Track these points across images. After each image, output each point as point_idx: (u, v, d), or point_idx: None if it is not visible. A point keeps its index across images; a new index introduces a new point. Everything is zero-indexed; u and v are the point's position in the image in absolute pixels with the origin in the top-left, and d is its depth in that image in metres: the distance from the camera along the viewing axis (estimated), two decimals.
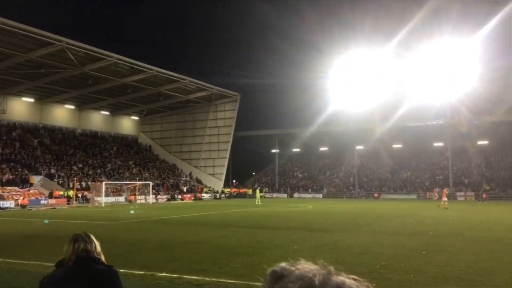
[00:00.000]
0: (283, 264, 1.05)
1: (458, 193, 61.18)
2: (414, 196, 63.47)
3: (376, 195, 65.85)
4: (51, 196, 45.46)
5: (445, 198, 38.15)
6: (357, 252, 12.72)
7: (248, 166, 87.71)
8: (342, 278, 0.98)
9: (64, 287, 2.93)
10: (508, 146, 65.86)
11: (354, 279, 0.99)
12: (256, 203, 44.79)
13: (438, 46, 60.11)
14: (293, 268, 1.01)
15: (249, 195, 68.68)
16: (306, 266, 1.02)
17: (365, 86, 65.58)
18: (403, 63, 62.43)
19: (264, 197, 66.60)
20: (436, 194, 51.51)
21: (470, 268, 10.21)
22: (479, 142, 68.51)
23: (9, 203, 40.02)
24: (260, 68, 79.38)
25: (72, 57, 45.60)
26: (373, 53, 63.56)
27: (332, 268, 1.01)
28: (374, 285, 1.04)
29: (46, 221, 23.70)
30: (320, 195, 69.66)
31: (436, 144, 72.26)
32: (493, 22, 53.68)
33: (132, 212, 31.16)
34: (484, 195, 52.69)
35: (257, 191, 51.64)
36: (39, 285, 2.98)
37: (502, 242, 14.72)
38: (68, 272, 2.96)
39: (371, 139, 69.73)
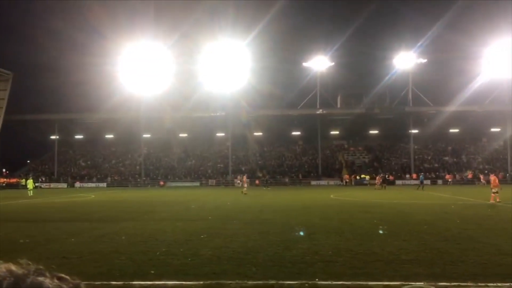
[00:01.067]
0: None
1: (236, 180, 66.75)
2: (198, 184, 66.71)
3: (161, 183, 66.85)
4: None
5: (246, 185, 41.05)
6: (138, 240, 12.66)
7: (22, 153, 78.95)
8: (41, 279, 0.88)
9: None
10: (278, 137, 75.30)
11: (59, 278, 0.90)
12: (29, 194, 40.54)
13: (219, 44, 64.71)
14: None
15: (22, 185, 61.76)
16: (2, 267, 0.90)
17: (154, 76, 65.83)
18: (190, 56, 65.05)
19: (40, 187, 60.90)
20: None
21: (241, 248, 11.21)
22: (255, 133, 75.96)
23: None
24: (39, 48, 71.54)
25: None
26: (159, 46, 64.78)
27: (33, 268, 0.90)
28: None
29: None
30: (104, 184, 67.26)
31: (218, 134, 77.14)
32: (262, 24, 61.17)
33: None
34: (257, 182, 58.79)
35: (29, 181, 46.66)
36: None
37: (269, 223, 16.61)
38: None
39: (159, 128, 70.37)
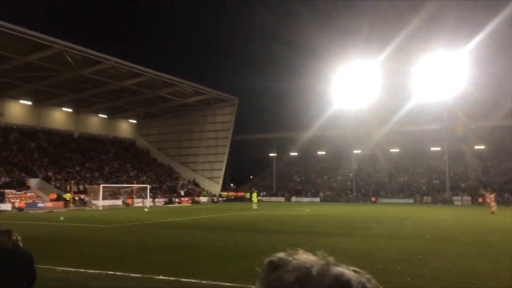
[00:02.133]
0: (280, 254, 1.02)
1: (454, 198, 61.36)
2: (411, 200, 63.55)
3: (373, 199, 65.89)
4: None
5: (493, 203, 36.36)
6: (353, 256, 12.72)
7: (246, 169, 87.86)
8: (341, 269, 0.95)
9: None
10: (504, 151, 66.22)
11: (354, 271, 0.96)
12: (253, 207, 44.73)
13: (435, 51, 60.43)
14: (290, 258, 0.99)
15: (247, 198, 68.65)
16: (304, 257, 1.00)
17: (363, 91, 65.72)
18: (401, 68, 62.71)
19: (261, 200, 66.62)
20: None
21: (467, 272, 10.24)
22: (476, 147, 68.74)
23: (6, 206, 39.89)
24: (258, 72, 79.78)
25: (70, 60, 45.58)
26: (370, 58, 63.86)
27: (331, 259, 0.98)
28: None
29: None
30: (318, 199, 69.66)
31: (433, 149, 72.41)
32: (489, 27, 54.01)
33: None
34: (480, 200, 52.67)
35: (254, 194, 51.51)
36: None
37: (498, 246, 14.76)
38: None
39: (368, 143, 69.85)
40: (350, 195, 70.59)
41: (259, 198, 58.49)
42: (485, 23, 54.42)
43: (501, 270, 10.48)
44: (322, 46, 68.97)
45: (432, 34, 59.33)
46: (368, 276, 0.97)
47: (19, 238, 4.68)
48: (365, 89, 65.51)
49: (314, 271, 0.94)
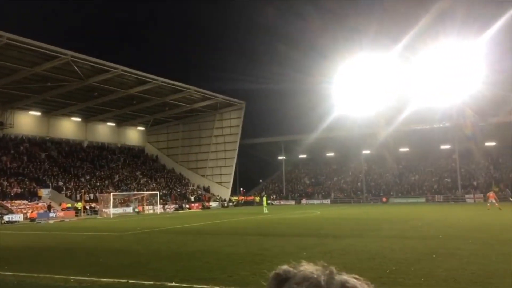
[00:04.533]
0: (285, 267, 1.06)
1: (467, 196, 60.85)
2: (423, 200, 63.09)
3: (384, 199, 65.54)
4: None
5: (493, 200, 37.26)
6: (366, 257, 12.64)
7: (255, 173, 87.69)
8: (345, 277, 1.02)
9: None
10: None
11: (355, 278, 1.03)
12: (264, 211, 44.67)
13: (443, 48, 59.92)
14: (296, 270, 1.04)
15: (257, 202, 68.61)
16: (308, 268, 1.05)
17: (370, 90, 65.33)
18: (409, 66, 62.24)
19: (272, 204, 66.50)
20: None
21: (482, 270, 10.12)
22: (486, 144, 68.12)
23: (18, 217, 40.19)
24: (264, 73, 79.62)
25: (77, 70, 46.00)
26: (377, 57, 63.42)
27: (333, 268, 1.05)
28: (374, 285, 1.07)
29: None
30: (328, 201, 69.45)
31: (443, 147, 71.86)
32: (498, 24, 53.47)
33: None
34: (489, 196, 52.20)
35: (264, 198, 51.47)
36: None
37: None
38: None
39: (377, 143, 69.47)
40: (360, 196, 70.27)
41: (269, 201, 58.43)
42: (494, 20, 53.99)
43: None
44: (328, 46, 68.92)
45: (440, 32, 58.80)
46: (367, 282, 1.04)
47: None
48: (372, 89, 65.18)
49: (322, 281, 0.99)
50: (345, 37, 71.37)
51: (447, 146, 70.72)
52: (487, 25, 55.32)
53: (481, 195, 58.81)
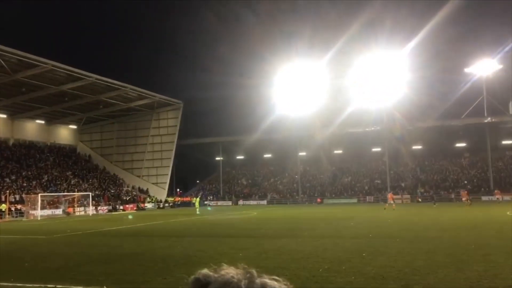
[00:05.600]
0: (205, 271, 1.04)
1: (395, 196, 63.88)
2: (355, 200, 65.50)
3: (319, 200, 67.27)
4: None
5: (391, 201, 41.15)
6: (300, 257, 12.92)
7: (192, 174, 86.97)
8: (265, 279, 1.02)
9: None
10: (439, 150, 70.00)
11: (275, 280, 1.03)
12: (196, 212, 44.38)
13: (374, 56, 63.09)
14: (216, 275, 1.02)
15: (193, 203, 68.02)
16: (229, 271, 1.03)
17: (306, 94, 67.10)
18: (342, 72, 64.73)
19: (209, 205, 66.22)
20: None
21: (407, 268, 10.66)
22: (414, 147, 71.94)
23: None
24: (204, 75, 79.10)
25: (3, 64, 43.37)
26: (313, 62, 65.40)
27: (254, 271, 1.04)
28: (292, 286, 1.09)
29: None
30: (265, 202, 70.22)
31: (374, 149, 74.95)
32: (421, 34, 57.72)
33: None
34: (418, 199, 55.49)
35: (197, 199, 51.08)
36: None
37: (435, 242, 15.50)
38: None
39: (313, 145, 71.22)
40: (296, 197, 71.68)
41: (206, 202, 58.16)
42: (419, 28, 57.80)
43: (439, 264, 11.01)
44: (266, 49, 69.66)
45: (371, 37, 62.03)
46: (286, 283, 1.04)
47: None
48: (309, 92, 66.95)
49: (243, 285, 0.98)
50: (283, 41, 72.72)
51: (378, 149, 73.85)
52: (412, 33, 59.42)
53: (409, 196, 62.13)
